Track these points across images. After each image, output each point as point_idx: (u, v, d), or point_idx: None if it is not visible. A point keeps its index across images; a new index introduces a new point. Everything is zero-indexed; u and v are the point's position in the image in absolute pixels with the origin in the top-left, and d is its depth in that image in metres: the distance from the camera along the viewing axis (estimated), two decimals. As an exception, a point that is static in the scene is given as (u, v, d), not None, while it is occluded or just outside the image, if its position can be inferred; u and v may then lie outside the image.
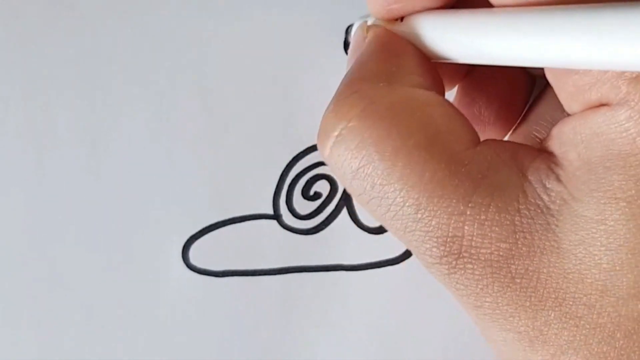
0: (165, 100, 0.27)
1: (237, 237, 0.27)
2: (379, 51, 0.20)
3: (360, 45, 0.21)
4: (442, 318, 0.27)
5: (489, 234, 0.17)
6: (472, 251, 0.17)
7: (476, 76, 0.24)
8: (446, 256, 0.18)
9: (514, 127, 0.24)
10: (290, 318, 0.27)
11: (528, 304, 0.17)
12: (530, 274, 0.17)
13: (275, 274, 0.27)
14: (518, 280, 0.17)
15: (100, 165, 0.27)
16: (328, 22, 0.27)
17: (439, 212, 0.17)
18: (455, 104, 0.24)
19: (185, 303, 0.27)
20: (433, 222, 0.17)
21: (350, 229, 0.27)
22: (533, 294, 0.17)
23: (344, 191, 0.27)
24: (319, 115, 0.27)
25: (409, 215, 0.18)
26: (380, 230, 0.27)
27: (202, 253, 0.27)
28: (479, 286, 0.17)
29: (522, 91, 0.24)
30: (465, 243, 0.17)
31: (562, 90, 0.18)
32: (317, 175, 0.27)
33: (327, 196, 0.27)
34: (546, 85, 0.22)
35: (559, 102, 0.19)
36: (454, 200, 0.17)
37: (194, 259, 0.27)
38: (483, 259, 0.17)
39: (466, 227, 0.17)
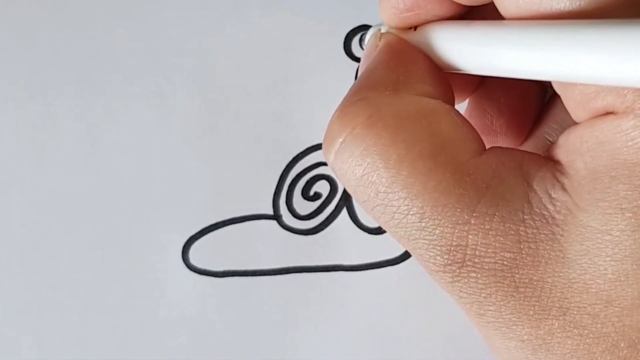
0: (166, 101, 0.27)
1: (237, 238, 0.27)
2: (388, 59, 0.20)
3: (372, 52, 0.21)
4: (441, 318, 0.27)
5: (493, 244, 0.17)
6: (476, 260, 0.17)
7: (487, 87, 0.24)
8: (450, 264, 0.17)
9: (525, 136, 0.24)
10: (290, 318, 0.27)
11: (532, 312, 0.17)
12: (535, 283, 0.17)
13: (275, 275, 0.27)
14: (522, 290, 0.17)
15: (99, 165, 0.27)
16: (328, 24, 0.27)
17: (443, 221, 0.17)
18: (467, 116, 0.24)
19: (185, 303, 0.27)
20: (437, 231, 0.17)
21: (350, 230, 0.27)
22: (537, 303, 0.17)
23: (344, 191, 0.27)
24: (318, 117, 0.27)
25: (413, 224, 0.18)
26: (380, 231, 0.27)
27: (202, 253, 0.27)
28: (482, 295, 0.17)
29: (533, 101, 0.24)
30: (469, 252, 0.17)
31: (569, 98, 0.18)
32: (317, 176, 0.27)
33: (327, 196, 0.27)
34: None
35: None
36: (458, 210, 0.17)
37: (194, 260, 0.27)
38: (487, 267, 0.17)
39: (470, 237, 0.17)
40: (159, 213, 0.27)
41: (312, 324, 0.27)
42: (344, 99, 0.20)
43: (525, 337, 0.17)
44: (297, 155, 0.27)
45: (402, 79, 0.19)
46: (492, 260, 0.17)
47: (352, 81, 0.27)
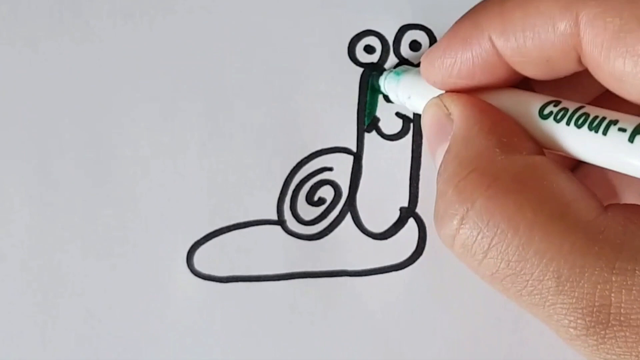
0: (170, 107, 0.27)
1: (241, 243, 0.27)
2: (480, 122, 0.20)
3: (444, 122, 0.21)
4: (446, 324, 0.27)
5: (638, 299, 0.16)
6: (622, 318, 0.16)
7: None
8: (594, 326, 0.17)
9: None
10: (295, 324, 0.27)
11: None
12: None
13: (279, 280, 0.27)
14: None
15: (104, 171, 0.27)
16: (332, 29, 0.27)
17: (582, 282, 0.17)
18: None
19: (190, 309, 0.27)
20: (576, 294, 0.17)
21: (354, 235, 0.27)
22: None
23: (348, 196, 0.27)
24: (323, 122, 0.27)
25: (549, 289, 0.17)
26: (384, 236, 0.27)
27: (207, 259, 0.27)
28: (633, 353, 0.16)
29: None
30: (613, 311, 0.17)
31: None
32: (321, 181, 0.27)
33: (331, 202, 0.27)
34: None
35: None
36: (597, 269, 0.17)
37: (198, 265, 0.27)
38: (635, 324, 0.16)
39: (613, 295, 0.17)
40: (163, 218, 0.27)
41: (316, 330, 0.27)
42: (447, 176, 0.19)
43: None
44: (301, 160, 0.27)
45: (506, 141, 0.19)
46: (639, 317, 0.16)
47: (356, 86, 0.27)
